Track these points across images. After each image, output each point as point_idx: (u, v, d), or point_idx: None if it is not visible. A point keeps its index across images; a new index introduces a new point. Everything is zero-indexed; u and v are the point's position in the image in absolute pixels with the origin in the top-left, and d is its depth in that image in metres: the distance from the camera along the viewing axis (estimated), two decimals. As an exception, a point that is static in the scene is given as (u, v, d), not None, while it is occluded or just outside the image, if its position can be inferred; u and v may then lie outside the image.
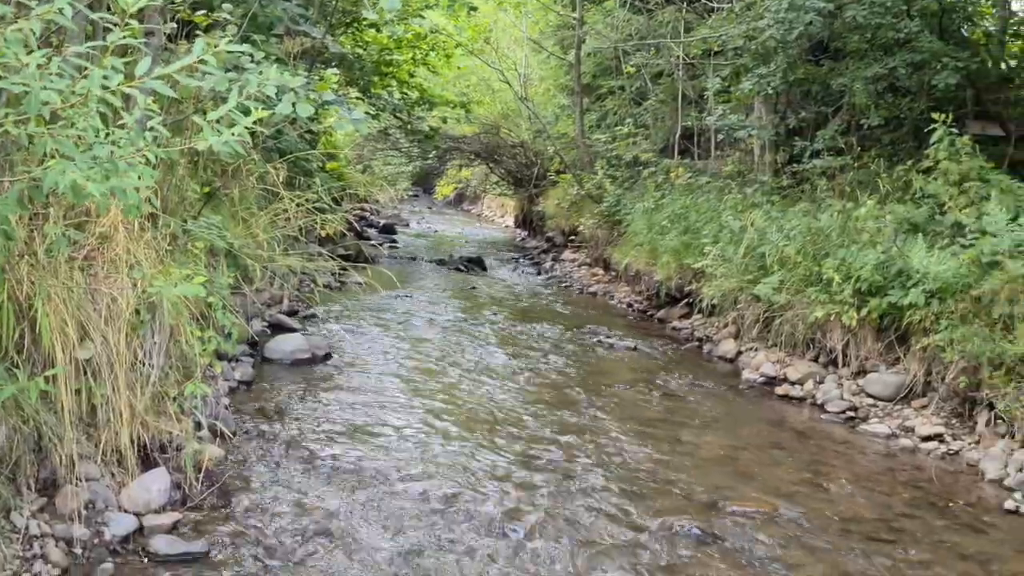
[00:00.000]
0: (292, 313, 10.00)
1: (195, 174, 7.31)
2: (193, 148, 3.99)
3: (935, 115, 8.72)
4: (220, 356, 6.44)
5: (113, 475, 4.89)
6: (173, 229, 5.86)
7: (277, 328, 9.18)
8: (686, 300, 11.60)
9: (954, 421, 7.30)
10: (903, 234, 8.48)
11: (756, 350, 9.61)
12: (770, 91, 11.77)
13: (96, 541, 4.51)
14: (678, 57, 15.00)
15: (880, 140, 11.11)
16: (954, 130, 8.64)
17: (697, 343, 10.73)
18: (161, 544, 4.60)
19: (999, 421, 6.83)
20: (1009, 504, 5.98)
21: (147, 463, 5.10)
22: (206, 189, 7.68)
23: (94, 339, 4.74)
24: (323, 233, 10.30)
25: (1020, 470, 6.32)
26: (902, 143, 10.77)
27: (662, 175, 14.19)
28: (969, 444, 6.96)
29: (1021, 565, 5.18)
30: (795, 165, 11.87)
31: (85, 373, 4.71)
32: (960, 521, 5.78)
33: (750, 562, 4.99)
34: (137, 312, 5.06)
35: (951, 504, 6.05)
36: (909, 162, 9.54)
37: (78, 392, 4.64)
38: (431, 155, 23.24)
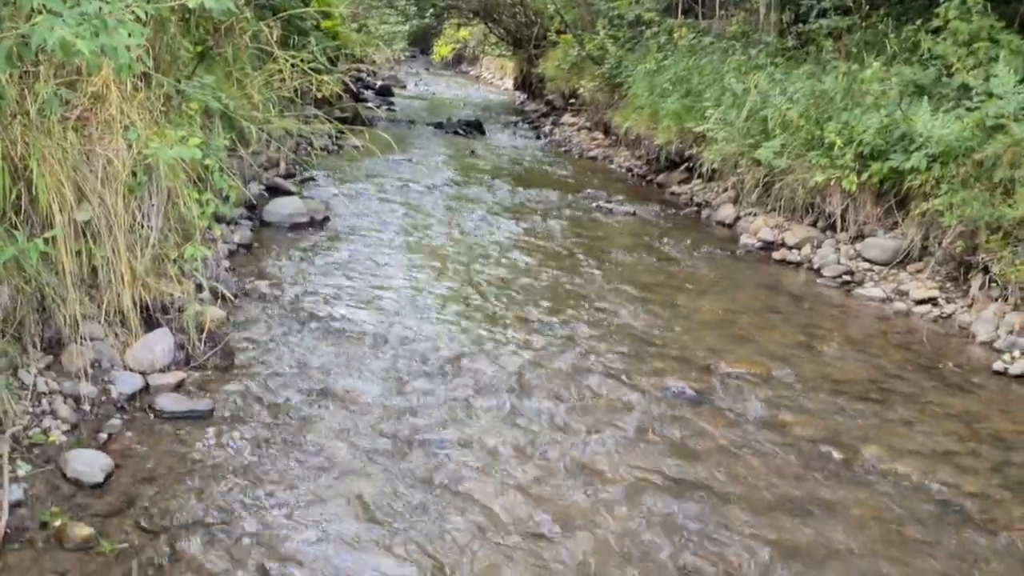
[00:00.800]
0: (289, 176, 9.94)
1: (187, 33, 7.14)
2: (184, 5, 3.89)
3: (947, -29, 8.46)
4: (218, 219, 6.43)
5: (117, 335, 4.96)
6: (166, 89, 5.76)
7: (275, 191, 9.14)
8: (686, 165, 11.51)
9: (948, 285, 7.36)
10: (908, 97, 8.35)
11: (755, 215, 9.60)
12: (778, -54, 11.39)
13: (103, 399, 4.62)
14: (684, -90, 14.45)
15: (890, -1, 10.81)
16: (966, -13, 8.39)
17: (696, 208, 10.72)
18: (167, 402, 4.71)
19: (993, 285, 6.89)
20: (998, 365, 6.09)
21: (150, 324, 5.17)
22: (199, 48, 7.52)
23: (91, 201, 4.73)
24: (319, 95, 10.13)
25: (1010, 332, 6.41)
26: (912, 1, 10.47)
27: (665, 36, 13.86)
28: (962, 307, 7.03)
29: (1006, 424, 5.31)
30: (801, 25, 11.57)
31: (84, 235, 4.72)
32: (949, 382, 5.90)
33: (742, 422, 5.12)
34: (134, 174, 5.03)
35: (941, 366, 6.16)
36: (918, 22, 9.31)
37: (78, 254, 4.66)
38: (428, 13, 22.66)
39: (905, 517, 4.23)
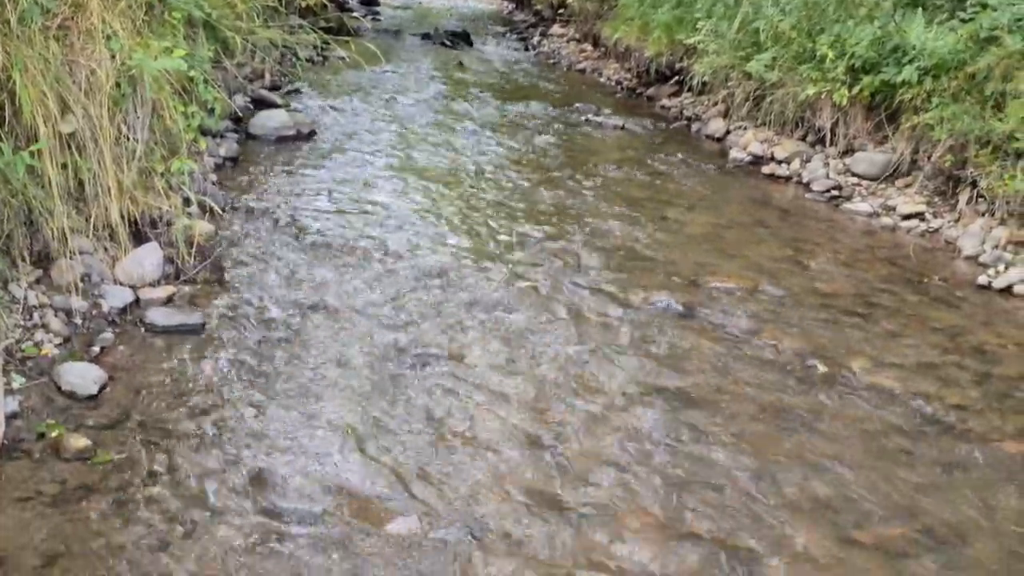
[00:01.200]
0: (275, 88, 9.80)
1: (166, -62, 6.95)
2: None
3: None
4: (204, 132, 6.36)
5: (106, 249, 4.95)
6: (148, -2, 5.63)
7: (260, 104, 9.02)
8: (676, 78, 11.38)
9: (936, 200, 7.37)
10: (902, 8, 8.24)
11: (744, 129, 9.54)
12: None
13: (94, 312, 4.62)
14: None
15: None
16: None
17: (686, 122, 10.64)
18: (158, 316, 4.73)
19: (980, 199, 6.91)
20: (982, 280, 6.14)
21: (139, 238, 5.15)
22: (179, -45, 7.32)
23: (76, 113, 4.66)
24: (303, 4, 9.94)
25: (996, 247, 6.46)
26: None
27: (656, -57, 13.55)
28: (949, 222, 7.06)
29: (988, 336, 5.39)
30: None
31: (69, 148, 4.66)
32: (933, 296, 5.97)
33: (729, 336, 5.18)
34: (118, 85, 4.95)
35: (926, 280, 6.22)
36: (914, -70, 9.13)
37: (64, 167, 4.61)
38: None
39: (887, 428, 4.32)
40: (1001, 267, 6.22)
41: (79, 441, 3.66)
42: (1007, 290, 6.02)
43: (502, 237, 6.42)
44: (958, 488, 3.90)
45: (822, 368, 4.85)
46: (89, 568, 3.10)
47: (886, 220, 7.34)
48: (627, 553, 3.39)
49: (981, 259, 6.44)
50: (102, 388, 4.06)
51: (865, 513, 3.70)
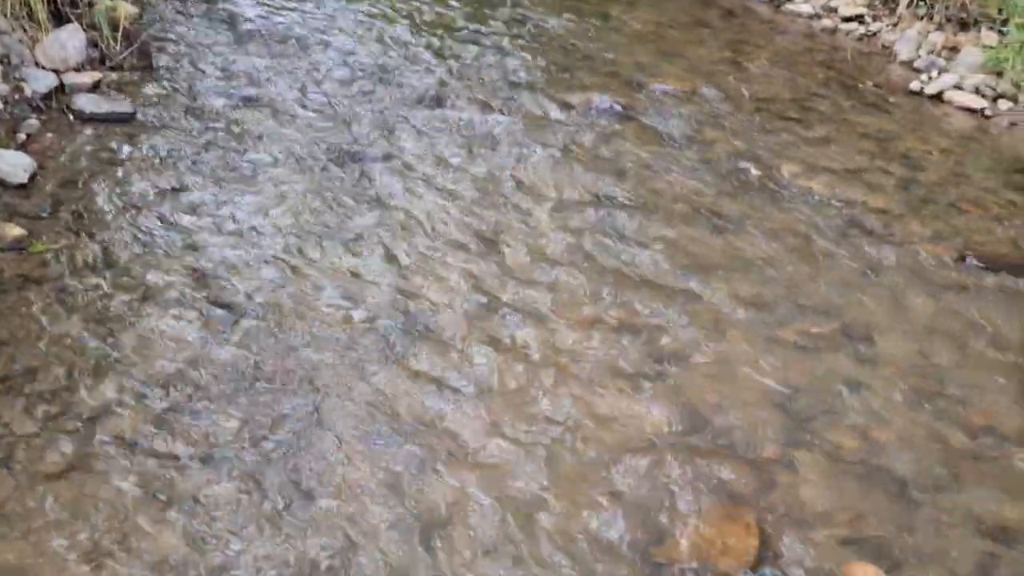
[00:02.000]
0: None
1: None
2: None
3: None
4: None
5: (25, 30, 4.70)
6: None
7: None
8: None
9: (877, 3, 7.32)
10: None
11: (691, -79, 9.21)
12: None
13: (16, 97, 4.45)
14: None
15: None
16: None
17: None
18: (85, 103, 4.58)
19: (920, 3, 6.88)
20: (914, 85, 6.22)
21: (59, 20, 4.89)
22: None
23: None
24: None
25: (931, 52, 6.50)
26: None
27: None
28: (887, 26, 7.04)
29: (915, 143, 5.52)
30: None
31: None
32: (866, 101, 6.03)
33: (666, 138, 5.21)
34: None
35: (861, 85, 6.26)
36: None
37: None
38: None
39: (813, 231, 4.47)
40: (934, 72, 6.29)
41: (13, 230, 3.62)
42: (938, 96, 6.12)
43: (441, 34, 6.23)
44: (876, 289, 4.10)
45: (754, 172, 4.94)
46: (33, 355, 3.13)
47: (827, 22, 7.29)
48: (559, 343, 3.54)
49: (915, 64, 6.49)
50: (32, 176, 3.97)
51: (788, 312, 3.89)
